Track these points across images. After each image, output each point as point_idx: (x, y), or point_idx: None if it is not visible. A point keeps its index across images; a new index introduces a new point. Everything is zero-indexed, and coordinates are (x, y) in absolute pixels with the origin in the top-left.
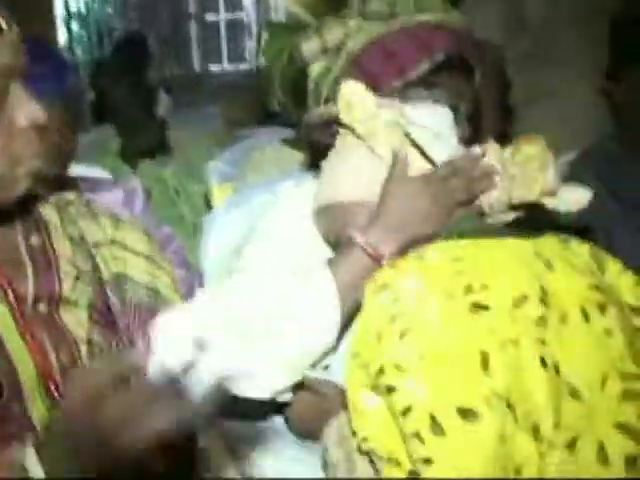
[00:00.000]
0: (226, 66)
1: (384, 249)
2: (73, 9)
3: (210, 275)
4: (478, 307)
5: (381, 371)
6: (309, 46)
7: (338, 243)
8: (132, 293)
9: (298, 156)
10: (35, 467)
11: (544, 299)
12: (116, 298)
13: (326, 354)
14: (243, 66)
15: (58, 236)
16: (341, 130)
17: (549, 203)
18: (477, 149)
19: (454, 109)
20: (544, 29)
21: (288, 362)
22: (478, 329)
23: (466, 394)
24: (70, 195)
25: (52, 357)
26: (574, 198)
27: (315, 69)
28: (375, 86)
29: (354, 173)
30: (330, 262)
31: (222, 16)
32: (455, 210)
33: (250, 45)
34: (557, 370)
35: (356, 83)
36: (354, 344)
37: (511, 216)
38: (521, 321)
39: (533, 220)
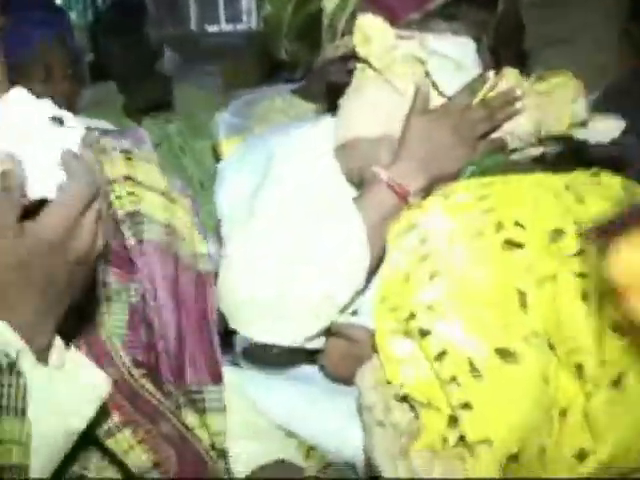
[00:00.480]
0: (224, 27)
1: (410, 185)
2: None
3: (227, 220)
4: (511, 244)
5: (412, 315)
6: None
7: (361, 181)
8: (149, 231)
9: (308, 106)
10: None
11: (579, 233)
12: (132, 237)
13: (355, 298)
14: (240, 27)
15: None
16: (358, 65)
17: (579, 134)
18: (491, 72)
19: (476, 41)
20: None
21: (316, 307)
22: (513, 267)
23: (504, 334)
24: None
25: None
26: (605, 128)
27: (330, 4)
28: (392, 19)
29: (373, 108)
30: (354, 201)
31: None
32: (478, 143)
33: (247, 5)
34: (599, 305)
35: (373, 15)
36: (382, 288)
37: (539, 150)
38: (558, 256)
39: (562, 153)
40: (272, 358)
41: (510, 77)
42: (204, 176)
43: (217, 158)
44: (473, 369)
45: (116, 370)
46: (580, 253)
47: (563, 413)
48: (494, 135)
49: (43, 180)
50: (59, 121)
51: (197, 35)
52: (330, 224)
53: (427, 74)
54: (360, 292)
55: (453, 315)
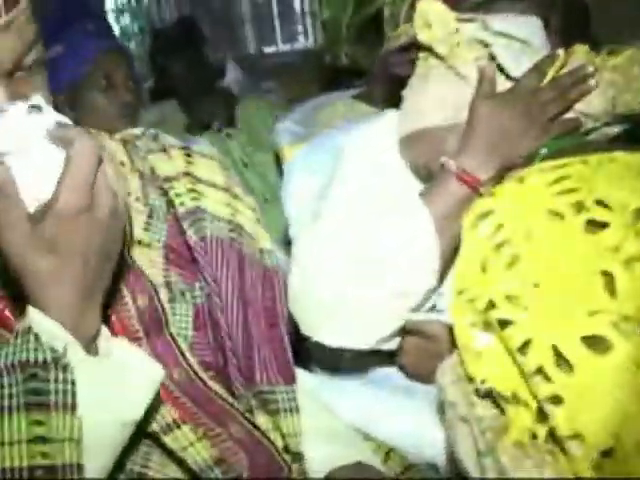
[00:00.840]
0: (281, 47)
1: (481, 174)
2: (123, 1)
3: (294, 222)
4: (595, 225)
5: (491, 305)
6: None
7: (429, 174)
8: (212, 228)
9: (371, 110)
10: None
11: None
12: (194, 234)
13: (429, 295)
14: (297, 46)
15: (126, 172)
16: (421, 54)
17: None
18: (560, 50)
19: (543, 21)
20: None
21: (388, 307)
22: (597, 249)
23: (592, 321)
24: (136, 130)
25: (129, 303)
26: None
27: None
28: (454, 3)
29: (438, 96)
30: (423, 195)
31: None
32: (551, 126)
33: (303, 25)
34: None
35: (433, 0)
36: (457, 280)
37: (616, 129)
38: None
39: None
40: (347, 362)
41: (580, 54)
42: (267, 190)
43: (280, 168)
44: (560, 360)
45: (181, 370)
46: None
47: None
48: (567, 116)
49: (49, 181)
50: (38, 108)
51: (255, 56)
52: (397, 220)
53: (492, 57)
54: (435, 288)
55: (535, 303)
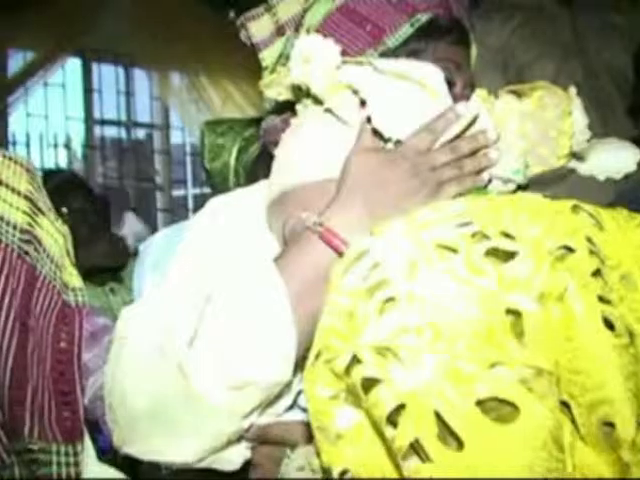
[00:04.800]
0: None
1: (348, 235)
2: None
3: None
4: (498, 253)
5: (355, 362)
6: (260, 25)
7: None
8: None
9: None
10: None
11: (592, 251)
12: None
13: (285, 390)
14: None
15: None
16: (298, 106)
17: (581, 169)
18: (461, 105)
19: (449, 84)
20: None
21: (221, 407)
22: (501, 282)
23: (491, 377)
24: None
25: None
26: (617, 160)
27: (268, 56)
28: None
29: (313, 147)
30: (278, 260)
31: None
32: (447, 187)
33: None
34: (631, 335)
35: (315, 35)
36: (317, 341)
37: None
38: (566, 272)
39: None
40: None
41: (479, 99)
42: None
43: None
44: (444, 431)
45: None
46: (597, 274)
47: None
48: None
49: None
50: None
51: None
52: (245, 298)
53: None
54: (292, 381)
55: (412, 355)
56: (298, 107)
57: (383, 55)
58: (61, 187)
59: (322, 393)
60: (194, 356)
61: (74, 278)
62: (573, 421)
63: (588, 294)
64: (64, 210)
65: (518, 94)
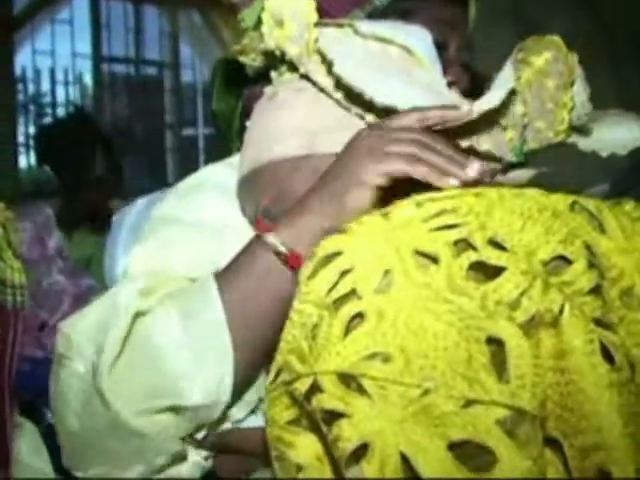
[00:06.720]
0: None
1: (302, 244)
2: None
3: None
4: (484, 270)
5: (317, 389)
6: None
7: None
8: None
9: None
10: None
11: (592, 262)
12: None
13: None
14: None
15: None
16: (272, 74)
17: (582, 144)
18: (465, 106)
19: (441, 47)
20: None
21: (160, 423)
22: (484, 304)
23: (466, 417)
24: None
25: None
26: (622, 134)
27: (248, 16)
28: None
29: (287, 118)
30: (226, 270)
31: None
32: (393, 160)
33: None
34: (632, 366)
35: None
36: (278, 356)
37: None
38: (560, 290)
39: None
40: None
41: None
42: None
43: None
44: (412, 476)
45: None
46: (596, 291)
47: None
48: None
49: None
50: None
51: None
52: (176, 314)
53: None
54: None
55: (379, 387)
56: (272, 74)
57: (370, 16)
58: (71, 130)
59: (282, 415)
60: (115, 379)
61: (15, 273)
62: (565, 463)
63: (585, 319)
64: None
65: (521, 56)
